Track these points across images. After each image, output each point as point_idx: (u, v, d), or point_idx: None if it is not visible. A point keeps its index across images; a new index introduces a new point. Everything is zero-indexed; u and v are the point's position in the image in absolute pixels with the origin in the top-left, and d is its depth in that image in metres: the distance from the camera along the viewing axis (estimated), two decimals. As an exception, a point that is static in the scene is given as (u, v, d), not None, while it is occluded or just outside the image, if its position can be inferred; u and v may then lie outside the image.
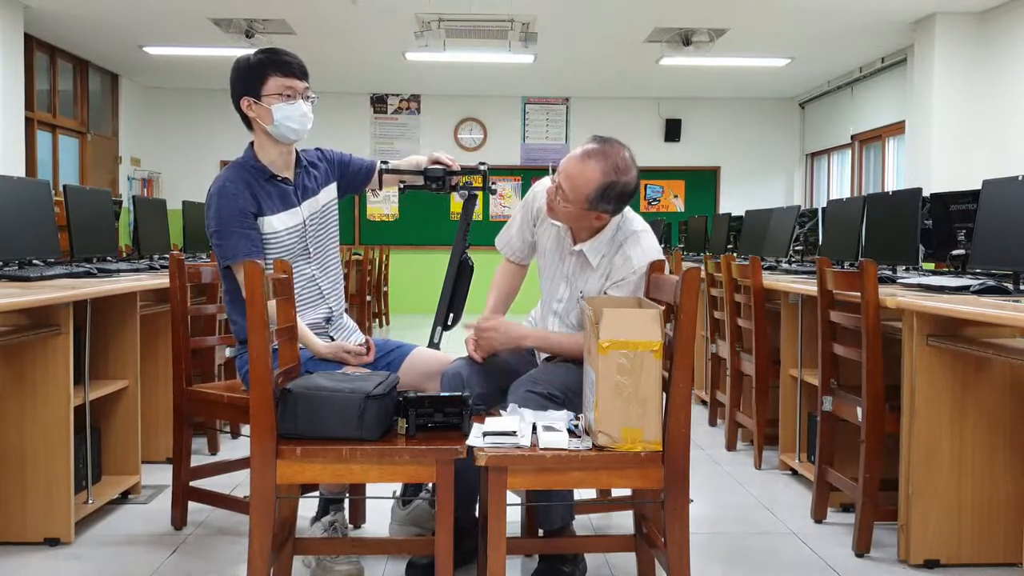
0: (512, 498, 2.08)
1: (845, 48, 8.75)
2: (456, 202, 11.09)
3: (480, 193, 2.74)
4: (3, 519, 2.70)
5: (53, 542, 2.71)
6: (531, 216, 2.63)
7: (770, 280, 3.70)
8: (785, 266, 4.54)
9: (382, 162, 2.78)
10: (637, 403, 1.96)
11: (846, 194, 10.24)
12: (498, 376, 2.46)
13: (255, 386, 2.02)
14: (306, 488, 2.66)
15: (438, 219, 11.28)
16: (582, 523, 2.95)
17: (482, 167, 2.70)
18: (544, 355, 2.61)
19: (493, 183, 2.81)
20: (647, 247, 2.43)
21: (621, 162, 2.33)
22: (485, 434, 2.03)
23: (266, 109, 2.53)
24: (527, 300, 2.69)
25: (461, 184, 2.71)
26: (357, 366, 2.51)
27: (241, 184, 2.54)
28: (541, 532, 2.47)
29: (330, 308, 2.67)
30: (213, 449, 3.83)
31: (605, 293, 2.43)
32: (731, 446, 4.10)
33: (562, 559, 2.42)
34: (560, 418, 2.16)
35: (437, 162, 2.73)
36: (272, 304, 2.19)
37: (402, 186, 2.78)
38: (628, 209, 2.50)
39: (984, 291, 2.65)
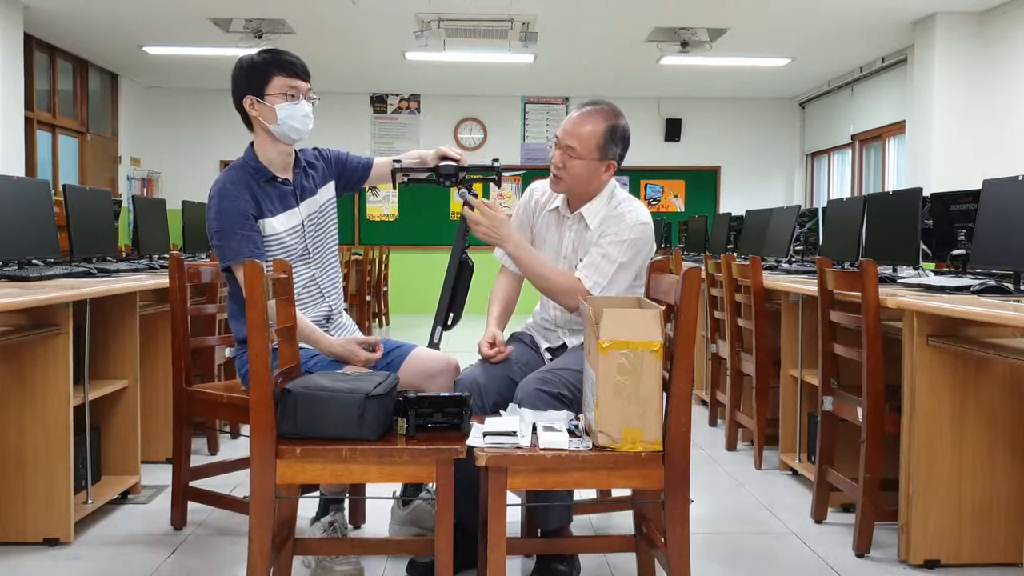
0: (512, 498, 2.08)
1: (845, 48, 8.75)
2: (456, 202, 11.09)
3: (480, 193, 2.76)
4: (3, 519, 2.70)
5: (53, 542, 2.71)
6: (529, 211, 2.74)
7: (770, 280, 3.70)
8: (785, 266, 4.54)
9: (395, 160, 2.78)
10: (637, 403, 1.95)
11: (846, 194, 10.24)
12: (515, 384, 2.45)
13: (255, 386, 2.02)
14: (306, 488, 2.66)
15: (438, 219, 11.28)
16: (582, 523, 2.95)
17: (495, 163, 2.72)
18: (549, 355, 2.63)
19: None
20: (639, 207, 2.60)
21: (614, 108, 2.58)
22: (485, 434, 2.03)
23: (270, 108, 2.54)
24: (525, 305, 2.72)
25: (468, 177, 2.72)
26: (365, 363, 2.51)
27: (241, 186, 2.55)
28: (539, 533, 2.48)
29: (330, 307, 2.67)
30: (213, 449, 3.82)
31: (598, 244, 2.53)
32: (731, 446, 4.09)
33: (559, 558, 2.42)
34: (560, 418, 2.16)
35: (445, 157, 2.73)
36: (272, 304, 2.19)
37: (406, 180, 2.78)
38: (619, 186, 2.68)
39: (984, 291, 2.65)
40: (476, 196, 2.73)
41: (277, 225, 2.58)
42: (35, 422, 2.69)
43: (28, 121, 8.04)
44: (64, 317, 2.67)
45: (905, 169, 8.39)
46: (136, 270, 3.69)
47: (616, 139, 2.53)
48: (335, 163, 2.78)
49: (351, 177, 2.80)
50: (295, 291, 2.40)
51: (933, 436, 2.58)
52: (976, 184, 3.18)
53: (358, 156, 2.84)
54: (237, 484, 3.27)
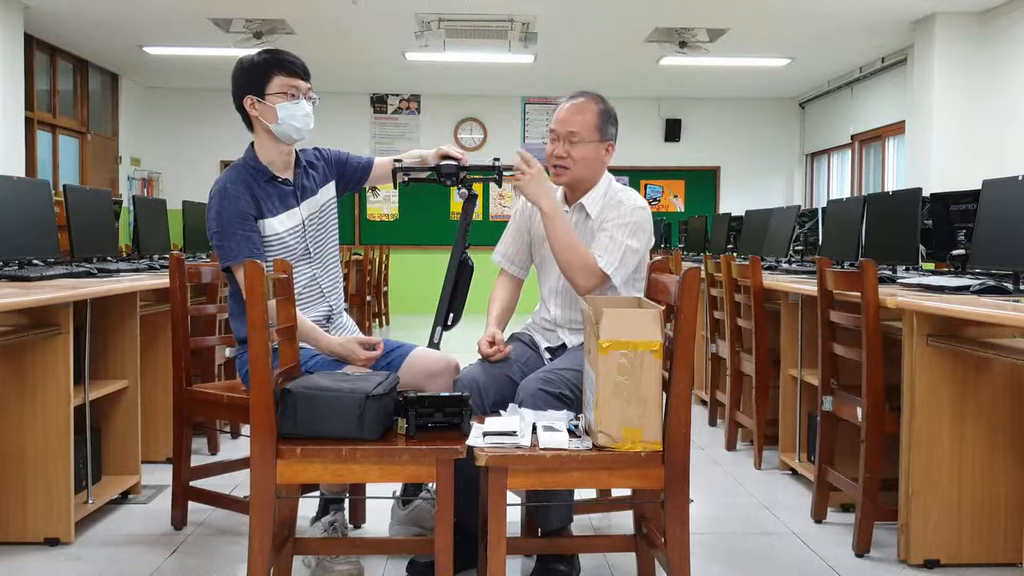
0: (512, 498, 2.08)
1: (845, 48, 8.75)
2: (456, 202, 11.10)
3: (480, 193, 2.77)
4: (3, 519, 2.70)
5: (53, 542, 2.71)
6: (527, 213, 2.74)
7: (770, 280, 3.70)
8: (785, 266, 4.54)
9: (396, 160, 2.79)
10: (637, 403, 1.96)
11: (846, 194, 10.24)
12: (514, 384, 2.46)
13: (255, 386, 2.02)
14: (306, 488, 2.66)
15: (438, 219, 11.29)
16: (582, 523, 2.95)
17: (496, 162, 2.73)
18: (549, 355, 2.63)
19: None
20: (635, 194, 2.67)
21: (599, 95, 2.65)
22: (485, 434, 2.03)
23: (270, 108, 2.54)
24: (525, 305, 2.72)
25: (469, 177, 2.72)
26: (365, 363, 2.51)
27: (242, 186, 2.55)
28: (539, 532, 2.48)
29: (330, 307, 2.68)
30: (213, 449, 3.83)
31: (603, 229, 2.56)
32: (731, 446, 4.09)
33: (560, 558, 2.42)
34: (560, 418, 2.16)
35: (447, 156, 2.74)
36: (272, 304, 2.19)
37: (407, 179, 2.79)
38: (614, 179, 2.71)
39: (984, 291, 2.65)
40: (476, 196, 2.74)
41: (278, 225, 2.58)
42: (35, 422, 2.69)
43: (28, 121, 8.04)
44: (64, 317, 2.67)
45: (905, 169, 8.39)
46: (136, 270, 3.69)
47: (611, 119, 2.62)
48: (335, 163, 2.78)
49: (351, 177, 2.81)
50: (296, 291, 2.40)
51: (933, 436, 2.58)
52: (976, 184, 3.18)
53: (359, 156, 2.84)
54: (237, 484, 3.27)
